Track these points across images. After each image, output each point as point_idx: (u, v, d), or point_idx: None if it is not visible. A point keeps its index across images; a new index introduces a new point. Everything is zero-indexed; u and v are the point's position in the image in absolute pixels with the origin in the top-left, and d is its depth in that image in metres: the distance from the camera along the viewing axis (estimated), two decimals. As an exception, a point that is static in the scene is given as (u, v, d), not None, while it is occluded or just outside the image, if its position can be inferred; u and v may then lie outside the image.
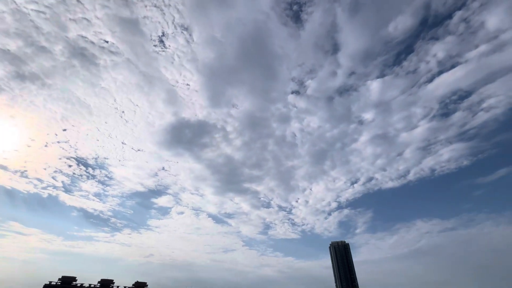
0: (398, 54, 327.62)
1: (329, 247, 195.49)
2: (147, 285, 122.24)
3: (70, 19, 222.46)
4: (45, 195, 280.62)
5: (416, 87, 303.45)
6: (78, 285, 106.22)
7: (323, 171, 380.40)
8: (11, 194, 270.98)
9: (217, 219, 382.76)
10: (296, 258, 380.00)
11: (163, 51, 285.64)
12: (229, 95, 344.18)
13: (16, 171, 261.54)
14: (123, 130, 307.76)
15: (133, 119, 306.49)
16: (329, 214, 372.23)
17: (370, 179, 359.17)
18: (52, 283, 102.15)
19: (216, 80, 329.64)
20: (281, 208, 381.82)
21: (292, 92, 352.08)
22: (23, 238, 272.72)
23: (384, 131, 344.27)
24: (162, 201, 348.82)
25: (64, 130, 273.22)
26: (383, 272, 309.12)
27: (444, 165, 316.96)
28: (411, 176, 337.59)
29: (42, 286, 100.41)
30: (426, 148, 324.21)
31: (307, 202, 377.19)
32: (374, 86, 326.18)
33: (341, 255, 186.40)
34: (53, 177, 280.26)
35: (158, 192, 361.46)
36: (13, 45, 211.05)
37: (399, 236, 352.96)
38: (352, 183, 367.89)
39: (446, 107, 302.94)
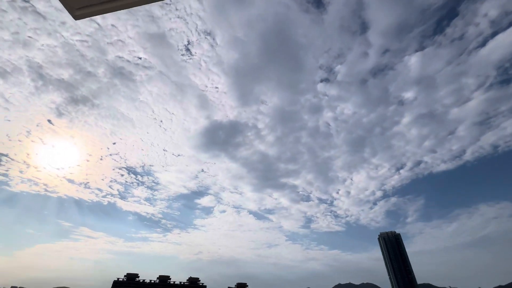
0: (439, 21, 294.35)
1: (378, 238, 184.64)
2: (199, 280, 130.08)
3: (107, 43, 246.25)
4: (105, 203, 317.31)
5: (465, 54, 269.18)
6: (141, 280, 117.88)
7: (363, 159, 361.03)
8: (79, 204, 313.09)
9: (258, 216, 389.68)
10: (342, 251, 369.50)
11: (190, 58, 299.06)
12: (257, 92, 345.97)
13: (80, 183, 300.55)
14: (163, 138, 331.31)
15: (171, 126, 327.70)
16: (375, 203, 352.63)
17: (418, 163, 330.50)
18: (119, 279, 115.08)
19: (242, 79, 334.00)
20: (321, 200, 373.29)
21: (321, 81, 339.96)
22: (92, 241, 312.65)
23: (429, 109, 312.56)
24: (204, 201, 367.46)
25: (114, 143, 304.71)
26: (443, 263, 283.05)
27: (509, 139, 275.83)
28: (468, 156, 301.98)
29: (112, 282, 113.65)
30: (484, 122, 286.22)
31: (348, 192, 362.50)
32: (413, 61, 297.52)
33: (392, 246, 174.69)
34: (110, 186, 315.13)
35: (200, 193, 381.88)
36: (65, 74, 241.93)
37: (460, 223, 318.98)
38: (398, 169, 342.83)
39: (506, 73, 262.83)
